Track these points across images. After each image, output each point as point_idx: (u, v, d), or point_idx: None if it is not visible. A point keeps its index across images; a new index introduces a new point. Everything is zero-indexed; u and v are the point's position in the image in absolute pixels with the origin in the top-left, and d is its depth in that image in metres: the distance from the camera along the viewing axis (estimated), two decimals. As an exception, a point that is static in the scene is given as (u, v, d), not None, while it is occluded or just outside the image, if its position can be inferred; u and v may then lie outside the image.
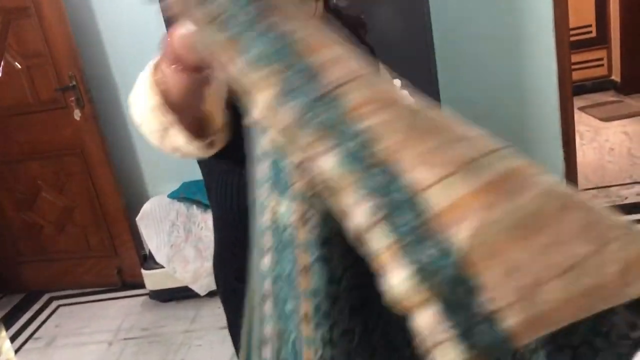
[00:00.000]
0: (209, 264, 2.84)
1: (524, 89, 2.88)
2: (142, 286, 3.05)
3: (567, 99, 2.88)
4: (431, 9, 2.26)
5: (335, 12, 1.05)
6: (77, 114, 2.91)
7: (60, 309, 3.19)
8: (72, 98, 2.88)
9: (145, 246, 3.06)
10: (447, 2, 2.72)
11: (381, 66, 1.14)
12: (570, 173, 3.01)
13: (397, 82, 1.16)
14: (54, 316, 3.13)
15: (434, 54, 2.30)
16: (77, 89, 2.86)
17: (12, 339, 2.99)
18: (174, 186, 3.00)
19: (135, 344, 2.73)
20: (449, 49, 2.72)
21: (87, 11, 2.90)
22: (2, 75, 2.97)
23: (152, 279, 2.97)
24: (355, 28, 1.10)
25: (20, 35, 2.87)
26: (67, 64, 2.85)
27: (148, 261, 3.02)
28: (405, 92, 1.10)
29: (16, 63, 2.93)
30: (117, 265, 3.23)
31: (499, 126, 2.87)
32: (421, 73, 2.31)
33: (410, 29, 2.28)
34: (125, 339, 2.79)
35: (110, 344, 2.77)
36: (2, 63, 2.94)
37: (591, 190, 3.25)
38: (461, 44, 2.82)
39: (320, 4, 0.89)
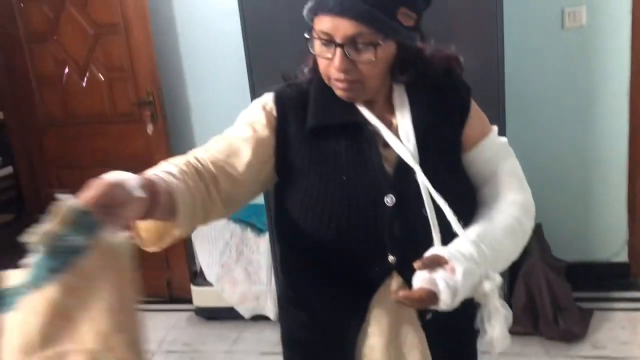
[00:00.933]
0: (256, 288, 2.88)
1: (592, 149, 2.84)
2: (190, 301, 3.11)
3: (636, 164, 2.82)
4: (506, 66, 2.28)
5: (420, 57, 1.10)
6: (149, 129, 3.04)
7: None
8: (147, 113, 3.02)
9: (197, 262, 3.13)
10: (522, 60, 2.72)
11: (476, 109, 1.18)
12: (634, 240, 2.92)
13: (495, 128, 1.19)
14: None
15: (504, 110, 2.30)
16: (153, 104, 3.00)
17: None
18: (232, 207, 3.07)
19: (176, 358, 2.78)
20: (520, 106, 2.73)
21: (172, 34, 3.04)
22: (85, 84, 3.14)
23: (200, 296, 3.03)
24: (452, 65, 1.15)
25: (107, 49, 3.05)
26: (147, 80, 3.00)
27: (198, 277, 3.09)
28: (502, 139, 1.18)
29: (100, 75, 3.10)
30: (167, 278, 3.31)
31: (563, 184, 2.85)
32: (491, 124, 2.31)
33: (483, 83, 2.30)
34: (168, 351, 2.84)
35: (153, 354, 2.82)
36: (87, 74, 3.12)
37: (653, 261, 3.13)
38: (533, 102, 2.81)
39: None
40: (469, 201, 1.12)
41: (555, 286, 2.59)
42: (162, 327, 3.06)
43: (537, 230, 2.86)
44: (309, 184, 1.08)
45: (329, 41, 1.01)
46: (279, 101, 1.13)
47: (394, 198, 1.04)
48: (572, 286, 2.66)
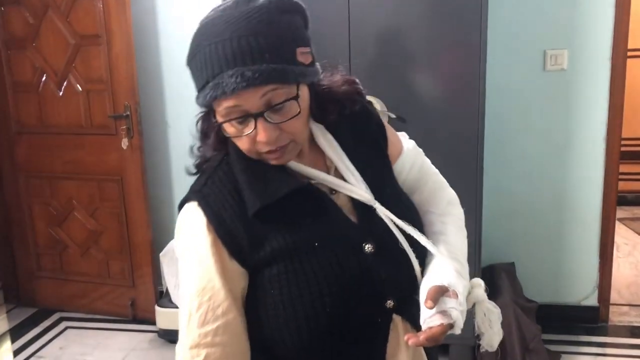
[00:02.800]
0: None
1: (567, 192, 2.85)
2: (153, 322, 3.03)
3: (609, 209, 2.83)
4: (486, 105, 2.29)
5: (328, 91, 1.03)
6: (124, 143, 2.98)
7: (68, 330, 3.17)
8: (123, 127, 2.96)
9: (163, 283, 3.05)
10: (503, 100, 2.74)
11: (387, 126, 1.15)
12: (604, 285, 2.92)
13: (404, 134, 1.20)
14: (61, 337, 3.11)
15: (482, 148, 2.30)
16: (130, 119, 2.95)
17: (17, 352, 2.97)
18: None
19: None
20: (498, 145, 2.74)
21: (153, 49, 3.01)
22: (62, 94, 3.08)
23: (164, 317, 2.95)
24: (355, 93, 1.07)
25: (87, 60, 3.00)
26: (125, 94, 2.95)
27: (163, 299, 3.01)
28: (411, 142, 1.17)
29: (78, 85, 3.04)
30: (131, 297, 3.22)
31: (537, 226, 2.85)
32: (468, 161, 2.31)
33: (463, 121, 2.30)
34: (126, 374, 2.74)
35: (110, 376, 2.72)
36: (65, 83, 3.06)
37: (623, 307, 3.14)
38: (511, 141, 2.83)
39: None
40: (416, 213, 1.12)
41: (524, 327, 2.57)
42: (123, 347, 2.96)
43: (510, 270, 2.85)
44: (280, 268, 0.95)
45: (244, 116, 0.89)
46: (206, 210, 0.95)
47: (371, 243, 0.99)
48: (541, 328, 2.64)
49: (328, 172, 1.03)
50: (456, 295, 0.98)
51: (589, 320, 2.94)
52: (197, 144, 1.04)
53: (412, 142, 1.19)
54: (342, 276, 0.96)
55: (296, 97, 0.90)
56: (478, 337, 1.10)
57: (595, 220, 2.86)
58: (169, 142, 3.11)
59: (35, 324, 3.25)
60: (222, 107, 0.89)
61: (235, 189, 0.97)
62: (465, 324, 0.98)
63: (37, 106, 3.16)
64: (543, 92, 2.77)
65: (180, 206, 1.02)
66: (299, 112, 0.91)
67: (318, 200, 1.00)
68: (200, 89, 0.90)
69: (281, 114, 0.90)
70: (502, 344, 2.53)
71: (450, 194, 1.21)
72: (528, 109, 2.80)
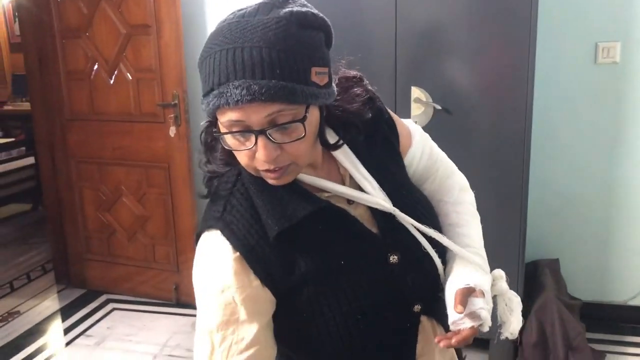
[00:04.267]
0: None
1: (615, 188, 2.78)
2: (196, 307, 3.09)
3: (660, 207, 2.76)
4: (535, 98, 2.25)
5: (340, 112, 0.98)
6: (172, 131, 3.05)
7: (115, 312, 3.28)
8: (171, 115, 3.03)
9: (206, 269, 3.11)
10: (552, 93, 2.70)
11: (397, 119, 1.13)
12: (652, 285, 2.85)
13: (409, 121, 1.17)
14: (107, 318, 3.22)
15: (529, 143, 2.27)
16: (178, 107, 3.01)
17: (66, 330, 3.09)
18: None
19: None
20: (547, 140, 2.70)
21: (202, 38, 3.05)
22: (113, 83, 3.17)
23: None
24: (354, 84, 1.03)
25: (137, 49, 3.07)
26: (174, 83, 3.01)
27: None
28: (418, 128, 1.15)
29: (128, 74, 3.12)
30: (175, 282, 3.30)
31: (583, 222, 2.79)
32: (514, 155, 2.28)
33: (510, 114, 2.27)
34: (169, 355, 2.82)
35: (154, 357, 2.80)
36: (116, 72, 3.15)
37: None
38: (560, 136, 2.78)
39: None
40: (432, 211, 1.12)
41: (568, 324, 2.52)
42: (166, 330, 3.04)
43: (554, 266, 2.80)
44: (310, 291, 0.93)
45: (245, 131, 0.84)
46: (232, 238, 0.91)
47: (395, 254, 0.98)
48: (586, 326, 2.59)
49: (343, 181, 1.01)
50: (483, 295, 0.99)
51: (636, 320, 2.87)
52: (203, 159, 1.00)
53: (419, 129, 1.16)
54: (371, 291, 0.95)
55: (303, 120, 0.84)
56: (500, 327, 1.10)
57: (644, 218, 2.78)
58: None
59: (84, 305, 3.37)
60: (225, 119, 0.83)
61: (256, 212, 0.93)
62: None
63: (89, 94, 3.26)
64: (593, 86, 2.71)
65: (198, 235, 0.96)
66: (304, 135, 0.85)
67: (338, 216, 0.97)
68: (205, 94, 0.85)
69: (285, 134, 0.84)
70: (544, 341, 2.50)
71: (461, 180, 1.19)
72: (577, 103, 2.74)
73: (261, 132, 0.83)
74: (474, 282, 0.99)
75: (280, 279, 0.92)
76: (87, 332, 3.07)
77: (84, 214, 3.47)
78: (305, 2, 0.89)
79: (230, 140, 0.87)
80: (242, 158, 0.89)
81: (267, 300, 0.92)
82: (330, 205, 0.96)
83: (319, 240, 0.94)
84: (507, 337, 1.10)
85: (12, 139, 5.44)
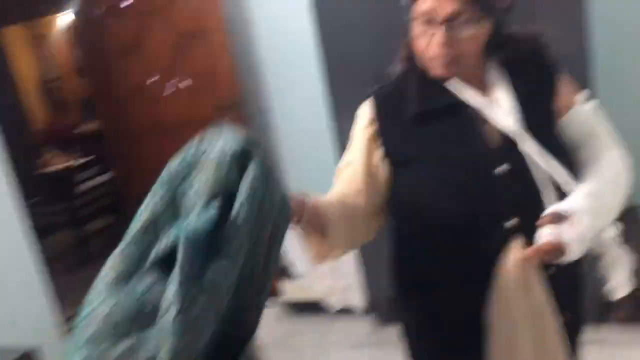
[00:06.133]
0: (342, 281, 2.92)
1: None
2: (278, 295, 3.19)
3: None
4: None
5: (510, 37, 1.16)
6: (232, 131, 3.12)
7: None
8: (229, 117, 3.11)
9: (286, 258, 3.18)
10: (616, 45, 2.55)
11: (565, 79, 1.22)
12: None
13: (583, 94, 1.23)
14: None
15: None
16: (236, 109, 3.09)
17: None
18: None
19: (267, 351, 2.85)
20: (612, 92, 2.57)
21: (251, 43, 3.09)
22: (170, 93, 3.29)
23: (289, 289, 3.10)
24: (538, 45, 1.20)
25: (190, 57, 3.17)
26: (227, 87, 3.09)
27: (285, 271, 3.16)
28: (593, 103, 1.21)
29: (184, 83, 3.23)
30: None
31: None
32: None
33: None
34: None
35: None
36: (170, 82, 3.27)
37: None
38: (627, 88, 2.62)
39: None
40: (568, 163, 1.17)
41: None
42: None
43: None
44: (421, 167, 1.16)
45: (430, 20, 1.08)
46: (373, 105, 1.22)
47: (503, 168, 1.11)
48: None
49: (488, 103, 1.15)
50: (576, 224, 1.03)
51: None
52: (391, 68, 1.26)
53: (591, 104, 1.23)
54: (470, 190, 1.13)
55: (476, 22, 1.07)
56: (603, 281, 1.13)
57: None
58: (272, 131, 3.18)
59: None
60: (419, 10, 1.08)
61: (404, 93, 1.18)
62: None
63: (150, 106, 3.40)
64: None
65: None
66: (473, 36, 1.08)
67: (467, 121, 1.14)
68: None
69: (459, 30, 1.07)
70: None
71: (621, 155, 1.21)
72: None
73: (443, 22, 1.06)
74: (570, 208, 1.05)
75: (396, 148, 1.19)
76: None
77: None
78: None
79: (417, 27, 1.11)
80: (420, 43, 1.12)
81: (379, 156, 1.21)
82: (466, 105, 1.15)
83: (443, 132, 1.15)
84: (610, 296, 1.13)
85: (88, 159, 5.73)
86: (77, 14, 3.45)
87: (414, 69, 1.19)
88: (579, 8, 2.12)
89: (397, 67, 1.25)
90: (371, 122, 1.22)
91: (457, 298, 1.20)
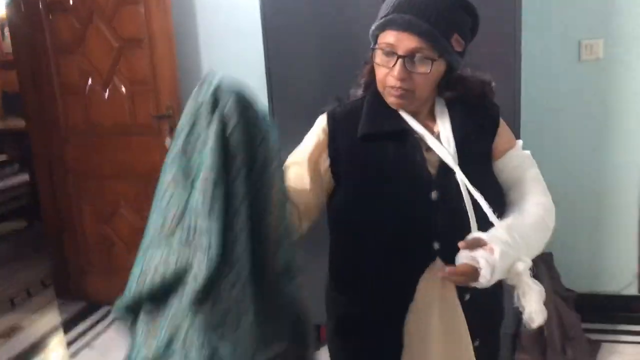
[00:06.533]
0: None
1: (604, 181, 2.86)
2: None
3: (648, 198, 2.83)
4: (522, 97, 2.30)
5: (461, 79, 1.27)
6: (167, 142, 3.09)
7: (117, 322, 3.29)
8: (166, 127, 3.07)
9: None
10: (538, 91, 2.76)
11: (504, 125, 1.34)
12: (644, 274, 2.92)
13: (520, 141, 1.35)
14: (110, 329, 3.24)
15: (518, 133, 2.32)
16: (172, 118, 3.05)
17: (69, 343, 3.11)
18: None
19: None
20: (534, 135, 2.74)
21: (194, 52, 3.11)
22: (108, 96, 3.21)
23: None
24: (486, 89, 1.31)
25: (131, 63, 3.12)
26: (168, 95, 3.06)
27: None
28: (527, 152, 1.32)
29: (122, 87, 3.16)
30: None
31: (574, 215, 2.85)
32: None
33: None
34: None
35: None
36: (110, 85, 3.19)
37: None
38: (547, 131, 2.83)
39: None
40: (498, 201, 1.25)
41: (564, 316, 2.59)
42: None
43: (547, 259, 2.86)
44: (362, 183, 1.25)
45: (391, 53, 1.18)
46: (330, 118, 1.31)
47: (437, 193, 1.21)
48: (581, 317, 2.65)
49: (432, 135, 1.25)
50: (492, 252, 1.11)
51: (630, 309, 2.94)
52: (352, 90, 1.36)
53: (527, 152, 1.35)
54: (403, 211, 1.21)
55: (432, 60, 1.17)
56: (519, 310, 1.18)
57: (634, 208, 2.86)
58: (210, 140, 3.19)
59: (86, 317, 3.39)
60: (383, 42, 1.19)
61: (359, 113, 1.28)
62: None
63: (84, 108, 3.29)
64: (578, 83, 2.78)
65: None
66: (429, 73, 1.17)
67: (412, 148, 1.24)
68: (381, 18, 1.20)
69: (415, 66, 1.17)
70: (541, 332, 2.56)
71: (547, 201, 1.31)
72: (563, 99, 2.81)
73: (401, 57, 1.17)
74: (488, 238, 1.13)
75: (340, 163, 1.26)
76: (91, 344, 3.09)
77: (83, 228, 3.49)
78: None
79: (379, 57, 1.21)
80: (380, 72, 1.22)
81: (325, 167, 1.28)
82: (411, 133, 1.24)
83: (388, 155, 1.24)
84: (528, 325, 1.17)
85: (5, 157, 5.44)
86: (11, 2, 3.29)
87: (373, 94, 1.29)
88: (514, 65, 2.26)
89: (358, 90, 1.36)
90: (324, 132, 1.30)
91: (381, 309, 1.29)
